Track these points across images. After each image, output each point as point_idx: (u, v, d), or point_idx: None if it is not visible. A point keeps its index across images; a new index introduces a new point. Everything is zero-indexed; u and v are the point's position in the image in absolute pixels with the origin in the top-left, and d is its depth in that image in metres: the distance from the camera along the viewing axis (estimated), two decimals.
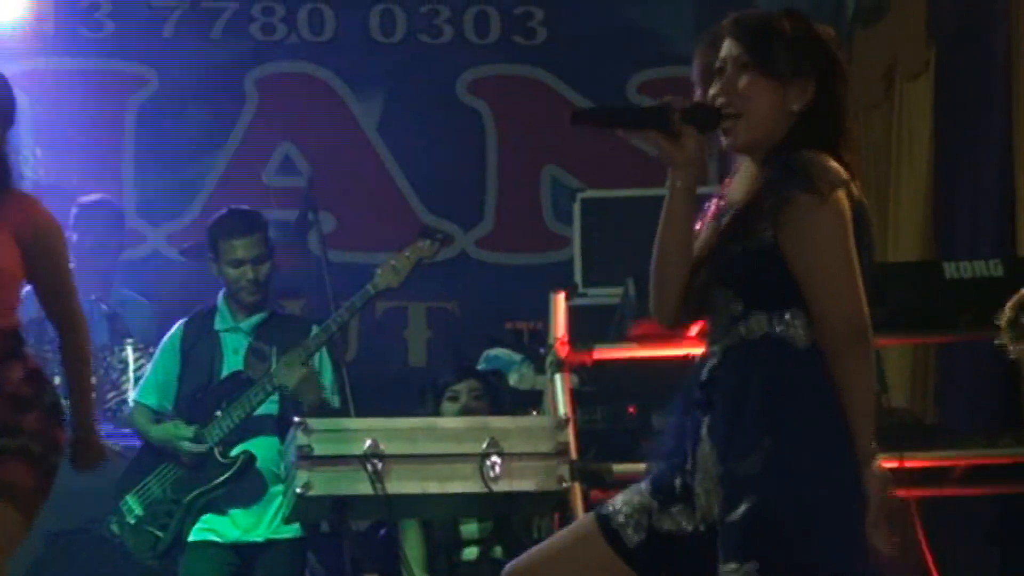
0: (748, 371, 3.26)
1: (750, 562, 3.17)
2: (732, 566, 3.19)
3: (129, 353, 6.61)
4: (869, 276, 3.29)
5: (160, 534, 5.75)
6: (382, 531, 5.95)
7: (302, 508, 4.85)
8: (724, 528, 3.22)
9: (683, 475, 3.32)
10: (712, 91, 3.38)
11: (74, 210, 7.01)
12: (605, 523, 3.38)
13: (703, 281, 3.35)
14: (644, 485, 3.39)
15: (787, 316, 3.26)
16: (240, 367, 5.84)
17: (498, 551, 5.68)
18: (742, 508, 3.18)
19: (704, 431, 3.29)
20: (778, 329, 3.26)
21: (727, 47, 3.37)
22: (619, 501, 3.40)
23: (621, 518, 3.36)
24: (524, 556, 3.47)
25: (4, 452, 4.22)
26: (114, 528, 5.83)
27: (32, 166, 7.58)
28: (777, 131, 3.32)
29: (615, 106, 3.86)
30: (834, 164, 3.27)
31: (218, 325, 5.94)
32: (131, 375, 6.54)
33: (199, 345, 5.93)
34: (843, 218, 3.22)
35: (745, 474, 3.18)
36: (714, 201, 3.50)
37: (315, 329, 5.77)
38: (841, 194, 3.23)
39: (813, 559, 3.16)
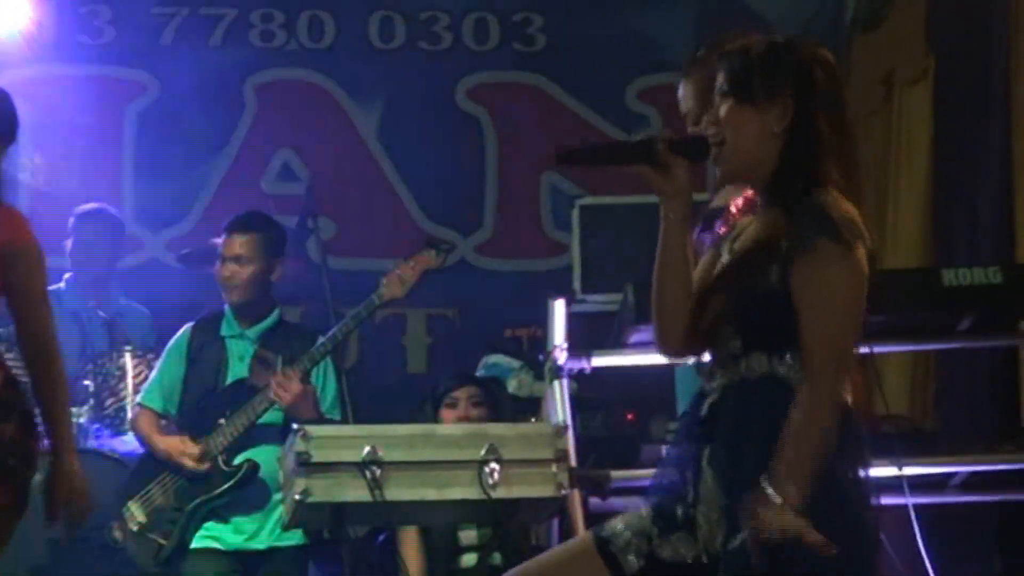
0: (748, 409, 3.25)
1: None
2: None
3: (128, 360, 6.62)
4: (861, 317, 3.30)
5: (163, 542, 5.74)
6: (381, 538, 5.94)
7: (300, 515, 4.83)
8: (725, 555, 3.22)
9: (685, 505, 3.32)
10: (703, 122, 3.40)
11: (71, 219, 7.02)
12: (603, 545, 3.36)
13: (712, 315, 3.33)
14: (645, 511, 3.38)
15: (788, 357, 3.26)
16: (245, 375, 5.84)
17: (497, 557, 5.68)
18: (742, 535, 3.18)
19: (705, 461, 3.29)
20: (780, 370, 3.26)
21: (718, 79, 3.39)
22: (619, 525, 3.38)
23: (621, 542, 3.34)
24: (517, 569, 3.46)
25: None
26: (116, 535, 5.82)
27: (31, 172, 7.60)
28: (764, 155, 3.31)
29: (599, 143, 3.86)
30: (855, 213, 3.24)
31: (224, 331, 5.95)
32: (130, 382, 6.55)
33: (205, 350, 5.93)
34: (862, 274, 3.22)
35: (746, 505, 3.17)
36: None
37: (320, 339, 5.77)
38: (863, 249, 3.22)
39: None
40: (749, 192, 4.47)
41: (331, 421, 5.71)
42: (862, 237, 3.22)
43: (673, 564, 3.31)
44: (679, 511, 3.32)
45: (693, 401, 3.40)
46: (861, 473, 3.25)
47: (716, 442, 3.28)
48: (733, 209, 4.00)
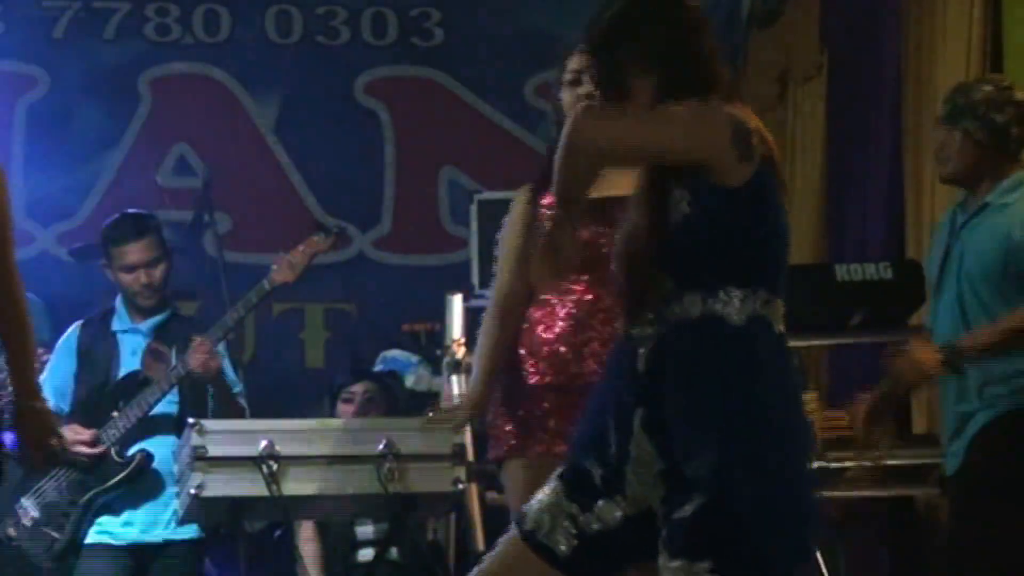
0: (688, 357, 3.17)
1: (702, 560, 3.09)
2: (678, 563, 3.11)
3: None
4: (784, 230, 3.44)
5: (56, 535, 5.69)
6: (277, 532, 5.93)
7: (196, 509, 4.82)
8: (670, 525, 3.14)
9: (604, 467, 3.23)
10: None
11: None
12: (531, 538, 3.28)
13: (641, 262, 3.28)
14: (557, 487, 3.29)
15: (722, 293, 3.19)
16: (137, 367, 5.80)
17: (394, 552, 5.69)
18: (691, 506, 3.10)
19: (637, 424, 3.19)
20: (716, 307, 3.19)
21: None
22: (534, 509, 3.29)
23: (546, 528, 3.26)
24: None
25: None
26: (10, 531, 5.76)
27: None
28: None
29: None
30: (740, 115, 3.27)
31: (116, 326, 5.90)
32: None
33: (96, 346, 5.88)
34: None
35: (693, 474, 3.11)
36: None
37: (211, 329, 5.74)
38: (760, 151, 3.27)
39: (768, 553, 3.12)
40: None
41: (236, 409, 5.64)
42: (758, 139, 3.27)
43: (604, 534, 3.23)
44: (597, 475, 3.24)
45: (621, 353, 3.30)
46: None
47: (653, 405, 3.18)
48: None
